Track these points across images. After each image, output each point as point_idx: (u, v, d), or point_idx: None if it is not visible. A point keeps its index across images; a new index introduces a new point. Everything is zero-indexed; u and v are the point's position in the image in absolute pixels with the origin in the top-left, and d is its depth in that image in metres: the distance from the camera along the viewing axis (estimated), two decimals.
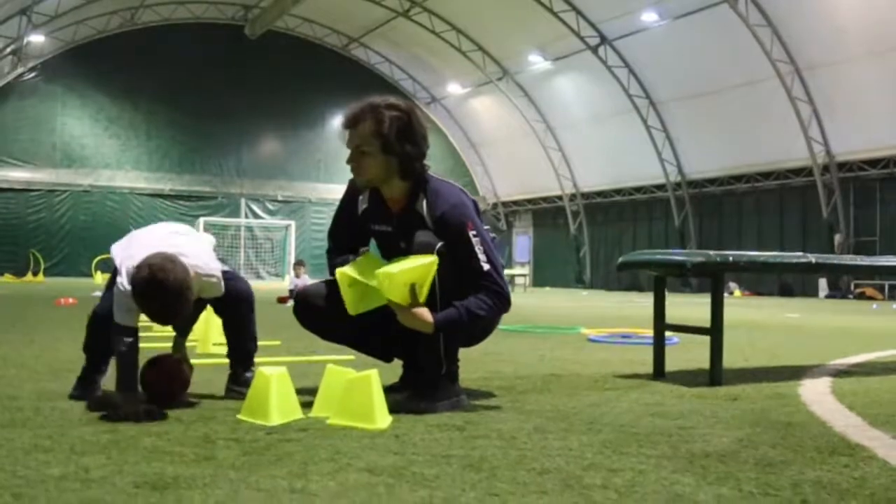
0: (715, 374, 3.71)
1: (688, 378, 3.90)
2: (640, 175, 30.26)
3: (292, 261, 23.69)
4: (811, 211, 25.38)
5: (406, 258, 2.87)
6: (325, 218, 28.63)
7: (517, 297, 11.72)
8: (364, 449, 2.20)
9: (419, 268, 2.80)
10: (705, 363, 3.83)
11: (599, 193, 32.77)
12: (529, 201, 36.63)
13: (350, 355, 4.01)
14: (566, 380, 3.82)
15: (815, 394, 3.45)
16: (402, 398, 2.89)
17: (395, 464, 2.03)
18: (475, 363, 4.25)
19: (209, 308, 3.28)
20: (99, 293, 3.25)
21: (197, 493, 1.73)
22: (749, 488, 1.86)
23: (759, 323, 9.54)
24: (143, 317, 2.79)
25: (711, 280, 3.78)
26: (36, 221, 29.99)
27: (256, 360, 3.25)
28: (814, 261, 4.19)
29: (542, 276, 35.49)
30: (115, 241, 3.01)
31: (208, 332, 4.73)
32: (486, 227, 2.98)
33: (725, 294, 4.06)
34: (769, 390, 3.53)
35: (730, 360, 4.45)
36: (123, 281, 2.72)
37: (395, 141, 2.90)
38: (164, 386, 2.89)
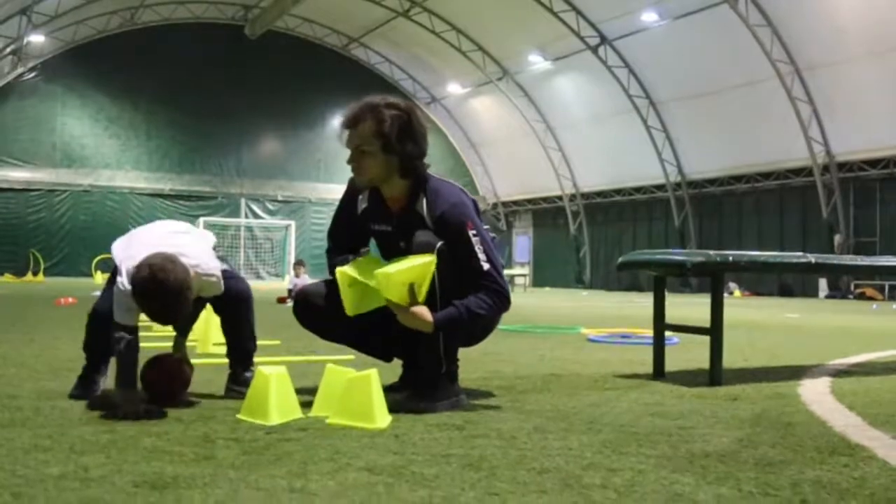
0: (715, 374, 3.71)
1: (688, 378, 3.90)
2: (640, 175, 30.26)
3: (292, 261, 23.69)
4: (811, 211, 25.38)
5: (405, 258, 2.87)
6: (325, 218, 28.61)
7: (517, 298, 11.71)
8: (363, 448, 2.20)
9: (418, 267, 2.80)
10: (705, 363, 3.83)
11: (599, 193, 32.77)
12: (529, 201, 36.63)
13: (350, 355, 4.01)
14: (566, 380, 3.82)
15: (815, 394, 3.45)
16: (401, 398, 2.89)
17: (395, 463, 2.03)
18: (475, 363, 4.25)
19: (209, 308, 3.28)
20: (98, 293, 3.25)
21: (196, 493, 1.73)
22: (749, 488, 1.86)
23: (758, 323, 9.54)
24: (143, 316, 2.79)
25: (711, 280, 3.78)
26: (36, 221, 29.99)
27: (256, 359, 3.25)
28: (813, 261, 4.19)
29: (542, 277, 35.49)
30: (114, 243, 3.01)
31: (208, 332, 4.73)
32: (485, 227, 2.98)
33: (725, 294, 4.06)
34: (769, 390, 3.53)
35: (730, 360, 4.45)
36: (124, 280, 2.72)
37: (396, 140, 2.90)
38: (165, 385, 2.89)
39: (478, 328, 3.05)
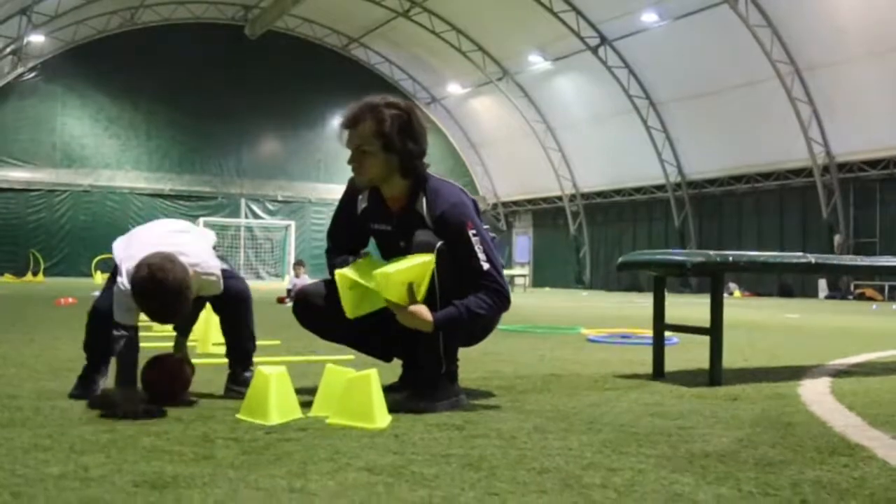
0: (714, 375, 3.71)
1: (687, 378, 3.90)
2: (640, 175, 30.27)
3: (292, 261, 23.69)
4: (811, 212, 25.38)
5: (404, 258, 2.87)
6: (325, 218, 28.59)
7: (517, 298, 11.70)
8: (363, 448, 2.20)
9: (416, 267, 2.80)
10: (705, 363, 3.83)
11: (599, 194, 32.77)
12: (529, 201, 36.63)
13: (350, 355, 4.01)
14: (566, 380, 3.82)
15: (815, 394, 3.45)
16: (401, 398, 2.89)
17: (395, 463, 2.03)
18: (475, 363, 4.25)
19: (209, 308, 3.28)
20: (98, 293, 3.25)
21: (196, 492, 1.73)
22: (748, 488, 1.86)
23: (758, 323, 9.54)
24: (143, 316, 2.80)
25: (711, 280, 3.78)
26: (36, 221, 29.99)
27: (256, 359, 3.25)
28: (813, 261, 4.19)
29: (542, 277, 35.50)
30: (114, 242, 3.01)
31: (208, 332, 4.73)
32: (485, 227, 2.98)
33: (725, 294, 4.06)
34: (769, 390, 3.53)
35: (729, 360, 4.45)
36: (124, 280, 2.72)
37: (397, 139, 2.90)
38: (166, 385, 2.90)
39: (478, 328, 3.05)
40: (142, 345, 2.85)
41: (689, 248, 27.54)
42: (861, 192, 24.57)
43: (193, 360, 3.19)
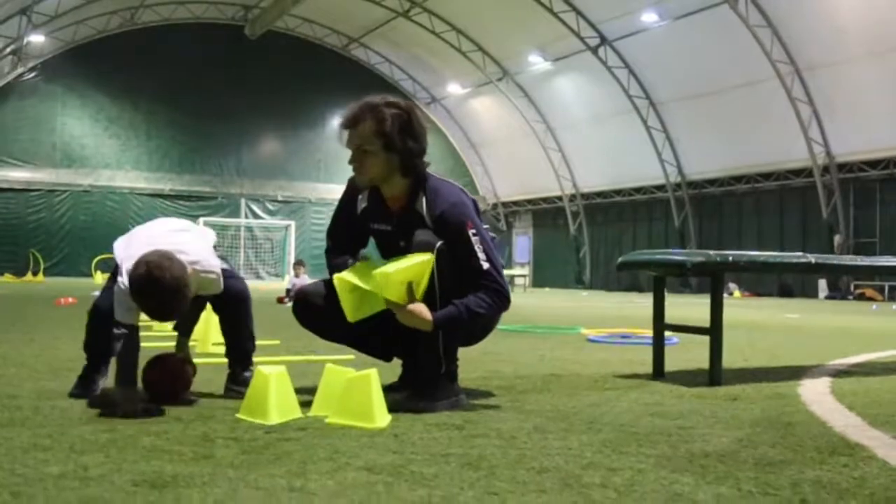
0: (714, 374, 3.71)
1: (687, 378, 3.90)
2: (640, 175, 30.27)
3: (292, 261, 23.70)
4: (811, 212, 25.38)
5: (403, 257, 2.87)
6: (325, 218, 28.57)
7: (517, 298, 11.70)
8: (363, 448, 2.20)
9: (416, 266, 2.80)
10: (705, 363, 3.83)
11: (599, 194, 32.77)
12: (529, 202, 36.64)
13: (350, 355, 4.01)
14: (566, 380, 3.82)
15: (815, 394, 3.45)
16: (401, 397, 2.89)
17: (394, 462, 2.03)
18: (475, 363, 4.25)
19: (209, 307, 3.28)
20: (98, 293, 3.25)
21: (195, 492, 1.72)
22: (748, 488, 1.86)
23: (758, 323, 9.54)
24: (143, 315, 2.80)
25: (711, 280, 3.78)
26: (36, 221, 29.99)
27: (255, 359, 3.25)
28: (813, 261, 4.19)
29: (542, 277, 35.50)
30: (115, 242, 3.01)
31: (208, 332, 4.73)
32: (485, 227, 2.98)
33: (725, 295, 4.06)
34: (769, 390, 3.53)
35: (729, 360, 4.45)
36: (124, 279, 2.72)
37: (398, 138, 2.90)
38: (167, 385, 2.90)
39: (477, 327, 3.05)
40: (143, 344, 2.85)
41: (689, 248, 27.54)
42: (861, 193, 24.57)
43: (193, 360, 3.19)
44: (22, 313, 8.42)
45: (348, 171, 3.11)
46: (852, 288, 24.30)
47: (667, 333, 4.12)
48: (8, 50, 28.37)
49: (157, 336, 5.09)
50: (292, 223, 32.55)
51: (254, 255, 32.69)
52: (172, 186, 32.30)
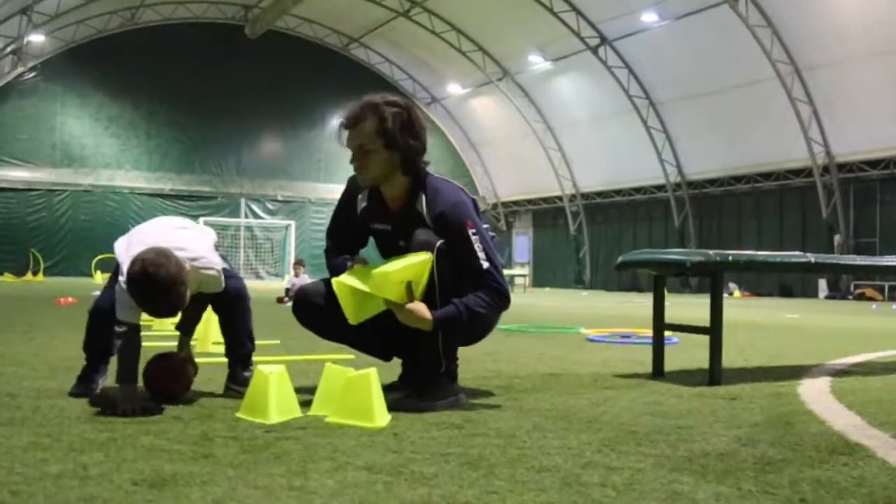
0: (714, 374, 3.70)
1: (687, 378, 3.90)
2: (640, 175, 30.27)
3: (292, 261, 23.70)
4: (811, 212, 25.38)
5: (401, 257, 2.88)
6: (325, 218, 28.59)
7: (517, 298, 11.70)
8: (363, 447, 2.20)
9: (415, 265, 2.81)
10: (705, 363, 3.83)
11: (599, 194, 32.77)
12: (529, 202, 36.64)
13: (350, 354, 4.02)
14: (565, 379, 3.82)
15: (815, 393, 3.45)
16: (401, 396, 2.89)
17: (394, 462, 2.03)
18: (474, 362, 4.25)
19: (209, 307, 3.28)
20: (98, 293, 3.26)
21: (195, 491, 1.73)
22: (748, 487, 1.86)
23: (758, 323, 9.54)
24: (144, 315, 2.80)
25: (711, 280, 3.78)
26: (36, 221, 29.99)
27: (255, 358, 3.26)
28: (813, 260, 4.19)
29: (542, 277, 35.50)
30: (116, 241, 3.01)
31: (208, 331, 4.72)
32: (485, 227, 2.98)
33: (725, 295, 4.06)
34: (768, 390, 3.53)
35: (729, 359, 4.45)
36: (125, 279, 2.73)
37: (399, 136, 2.91)
38: (167, 384, 2.90)
39: (477, 327, 3.05)
40: (143, 344, 2.85)
41: (689, 248, 27.54)
42: (861, 192, 24.57)
43: (195, 359, 3.18)
44: (22, 313, 8.42)
45: (348, 171, 3.11)
46: (852, 288, 24.31)
47: (667, 333, 4.12)
48: (8, 49, 28.37)
49: (157, 336, 5.09)
50: (292, 223, 32.57)
51: (254, 255, 32.69)
52: (172, 186, 32.31)
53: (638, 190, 31.03)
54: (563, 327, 7.76)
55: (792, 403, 3.16)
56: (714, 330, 3.72)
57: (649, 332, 4.32)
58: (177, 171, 32.56)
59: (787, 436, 2.48)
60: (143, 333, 2.86)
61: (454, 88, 35.19)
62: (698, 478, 1.93)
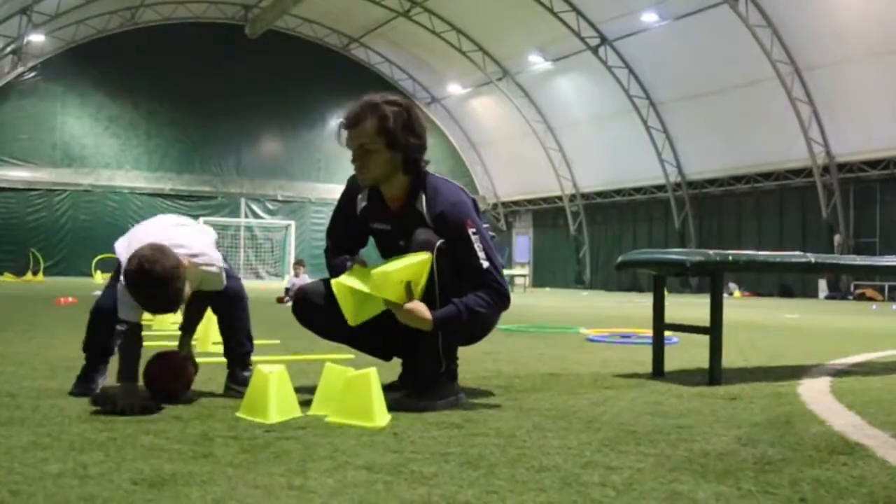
0: (714, 374, 3.70)
1: (687, 377, 3.90)
2: (640, 175, 30.27)
3: (292, 261, 23.71)
4: (811, 212, 25.38)
5: (400, 257, 2.88)
6: (325, 218, 28.55)
7: (517, 298, 11.70)
8: (363, 447, 2.20)
9: (414, 265, 2.81)
10: (705, 363, 3.82)
11: (599, 194, 32.78)
12: (529, 202, 36.64)
13: (350, 354, 4.02)
14: (565, 379, 3.82)
15: (815, 393, 3.45)
16: (400, 396, 2.89)
17: (394, 461, 2.03)
18: (474, 362, 4.25)
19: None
20: (98, 293, 3.26)
21: (195, 490, 1.72)
22: (748, 486, 1.86)
23: (758, 323, 9.54)
24: (146, 315, 2.80)
25: (711, 279, 3.78)
26: (36, 221, 29.99)
27: (255, 358, 3.26)
28: (813, 260, 4.19)
29: (542, 277, 35.50)
30: (116, 241, 3.02)
31: (208, 331, 4.72)
32: (485, 226, 2.98)
33: (725, 295, 4.06)
34: (768, 390, 3.53)
35: (729, 359, 4.45)
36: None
37: (400, 135, 2.91)
38: (168, 383, 2.90)
39: (477, 327, 3.05)
40: (144, 343, 2.85)
41: (689, 248, 27.53)
42: (861, 192, 24.57)
43: (195, 359, 3.18)
44: (22, 313, 8.42)
45: (348, 171, 3.11)
46: (852, 288, 24.31)
47: (667, 333, 4.12)
48: (8, 49, 28.37)
49: (157, 335, 5.09)
50: (292, 223, 32.57)
51: (254, 255, 32.70)
52: (172, 186, 32.30)
53: (638, 190, 31.03)
54: (563, 327, 7.76)
55: (792, 403, 3.16)
56: (714, 330, 3.72)
57: (649, 332, 4.31)
58: (177, 171, 32.56)
59: (787, 436, 2.48)
60: (143, 333, 2.86)
61: (454, 88, 35.19)
62: (698, 477, 1.93)
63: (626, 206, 32.13)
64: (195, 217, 28.92)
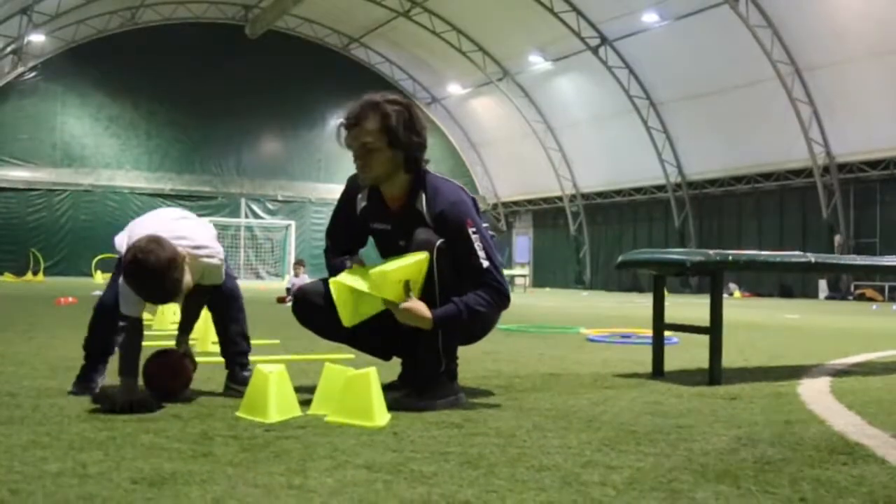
0: (714, 374, 3.70)
1: (687, 377, 3.90)
2: (640, 176, 30.27)
3: (292, 261, 23.71)
4: (811, 212, 25.38)
5: (398, 257, 2.88)
6: (325, 218, 28.41)
7: (517, 298, 11.70)
8: (362, 446, 2.20)
9: (412, 265, 2.81)
10: (705, 363, 3.82)
11: (599, 194, 32.77)
12: (529, 202, 36.63)
13: (349, 354, 4.02)
14: (565, 379, 3.82)
15: (815, 393, 3.45)
16: (400, 396, 2.89)
17: (394, 461, 2.03)
18: (474, 362, 4.25)
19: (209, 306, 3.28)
20: (99, 293, 3.26)
21: (194, 489, 1.72)
22: (748, 486, 1.85)
23: (758, 323, 9.54)
24: (146, 315, 2.80)
25: (711, 279, 3.78)
26: (36, 221, 29.98)
27: (255, 358, 3.26)
28: (813, 260, 4.19)
29: (542, 277, 35.50)
30: (117, 236, 3.01)
31: (208, 331, 4.72)
32: (485, 226, 2.98)
33: (725, 295, 4.06)
34: (768, 389, 3.53)
35: (729, 359, 4.45)
36: None
37: (402, 133, 2.91)
38: (167, 380, 2.91)
39: (477, 326, 3.05)
40: (144, 343, 2.85)
41: (689, 248, 27.52)
42: (861, 193, 24.56)
43: (194, 357, 3.18)
44: (22, 313, 8.42)
45: (348, 171, 3.11)
46: (852, 288, 24.30)
47: (667, 333, 4.12)
48: (8, 49, 28.36)
49: (157, 335, 5.09)
50: (292, 223, 32.57)
51: (254, 255, 32.69)
52: (172, 186, 32.29)
53: (638, 190, 31.03)
54: (563, 327, 7.76)
55: (792, 403, 3.16)
56: (714, 330, 3.72)
57: (649, 332, 4.31)
58: (177, 171, 32.56)
59: (786, 435, 2.48)
60: (143, 333, 2.86)
61: (454, 88, 35.19)
62: (698, 477, 1.93)
63: (627, 206, 32.12)
64: None
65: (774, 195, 26.84)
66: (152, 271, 2.62)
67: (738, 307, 14.95)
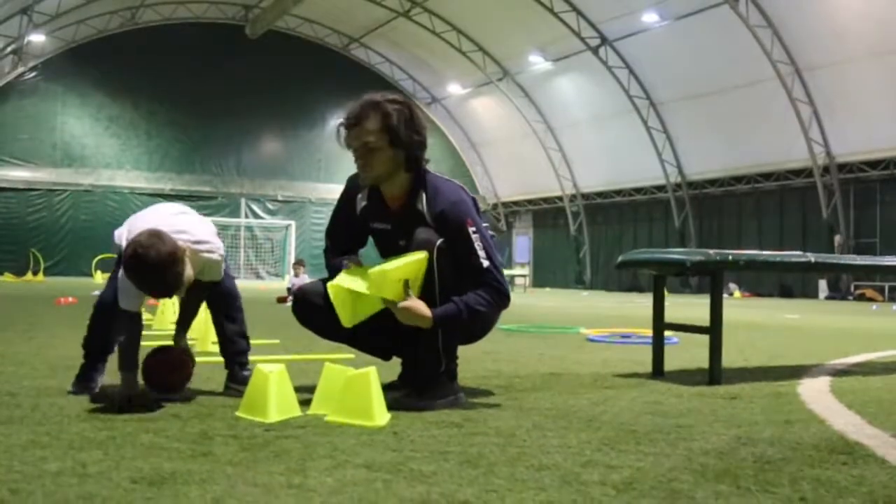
0: (714, 373, 3.70)
1: (687, 377, 3.90)
2: (641, 176, 30.27)
3: (292, 261, 23.71)
4: (811, 212, 25.38)
5: (397, 256, 2.88)
6: (325, 218, 28.35)
7: (517, 298, 11.70)
8: (362, 445, 2.20)
9: (412, 264, 2.81)
10: (705, 363, 3.82)
11: (599, 194, 32.77)
12: (529, 202, 36.64)
13: (349, 354, 4.02)
14: (565, 378, 3.82)
15: (815, 393, 3.44)
16: (400, 395, 2.89)
17: (393, 460, 2.03)
18: (474, 362, 4.25)
19: (205, 305, 3.28)
20: (98, 293, 3.26)
21: (194, 489, 1.72)
22: (747, 485, 1.85)
23: (758, 323, 9.54)
24: (147, 315, 2.80)
25: (711, 279, 3.78)
26: (36, 221, 29.98)
27: (255, 358, 3.26)
28: (813, 260, 4.19)
29: (542, 277, 35.50)
30: (116, 231, 3.01)
31: (208, 330, 4.73)
32: (485, 226, 2.98)
33: (725, 295, 4.06)
34: (768, 389, 3.53)
35: (729, 359, 4.45)
36: None
37: (403, 133, 2.91)
38: (166, 376, 2.91)
39: (477, 325, 3.05)
40: (143, 343, 2.85)
41: (690, 248, 27.52)
42: (861, 193, 24.56)
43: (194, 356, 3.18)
44: (22, 312, 8.42)
45: (348, 171, 3.11)
46: (852, 288, 24.30)
47: (667, 333, 4.12)
48: (8, 49, 28.36)
49: (157, 335, 5.09)
50: (292, 223, 32.57)
51: (254, 255, 32.70)
52: (173, 186, 32.29)
53: (638, 190, 31.03)
54: (563, 327, 7.76)
55: (792, 403, 3.15)
56: (714, 330, 3.72)
57: (649, 332, 4.31)
58: (177, 171, 32.56)
59: (786, 435, 2.48)
60: (143, 333, 2.86)
61: (454, 88, 35.19)
62: (698, 476, 1.93)
63: (627, 206, 32.12)
64: None
65: (774, 195, 26.84)
66: (153, 265, 2.62)
67: (738, 307, 14.95)
